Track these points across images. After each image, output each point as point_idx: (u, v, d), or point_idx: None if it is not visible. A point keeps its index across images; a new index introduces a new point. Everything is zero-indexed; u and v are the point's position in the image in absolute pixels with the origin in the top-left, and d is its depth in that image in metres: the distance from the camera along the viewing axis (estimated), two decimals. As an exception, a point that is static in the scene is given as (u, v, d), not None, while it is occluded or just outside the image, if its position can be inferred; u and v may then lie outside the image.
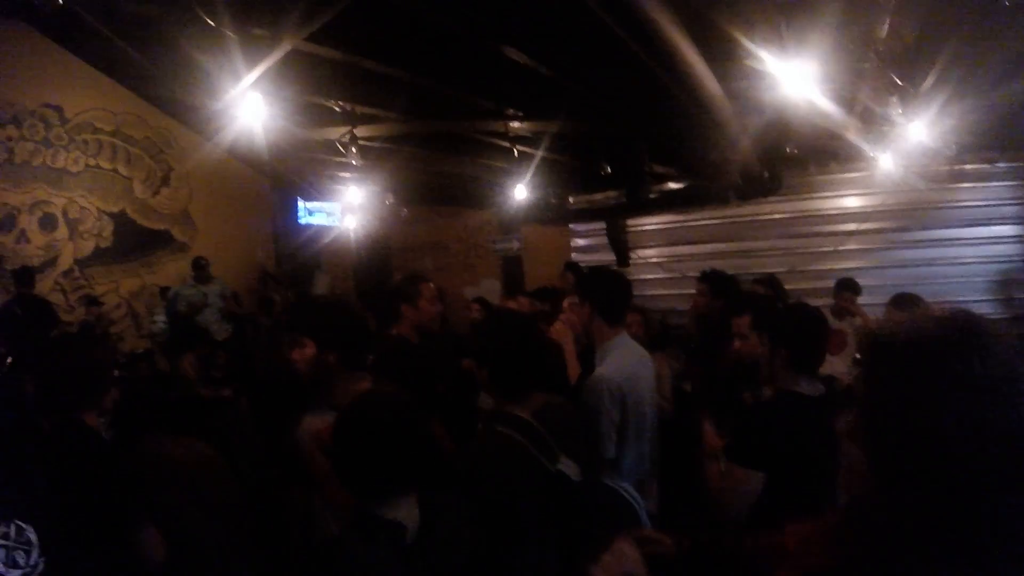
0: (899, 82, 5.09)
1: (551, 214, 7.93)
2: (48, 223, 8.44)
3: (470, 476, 2.11)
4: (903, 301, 4.84)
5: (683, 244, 8.44)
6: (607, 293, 3.07)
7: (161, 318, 8.32)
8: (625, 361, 2.94)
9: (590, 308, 3.02)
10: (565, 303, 3.84)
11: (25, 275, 7.28)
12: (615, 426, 2.81)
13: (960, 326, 1.02)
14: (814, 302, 6.35)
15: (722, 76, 4.34)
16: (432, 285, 3.87)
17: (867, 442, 1.08)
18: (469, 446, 2.25)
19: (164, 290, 8.52)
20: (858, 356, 1.19)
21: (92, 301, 8.22)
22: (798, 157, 6.89)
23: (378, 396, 1.98)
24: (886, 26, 4.22)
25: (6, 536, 1.95)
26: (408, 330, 3.73)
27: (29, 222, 8.32)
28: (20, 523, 1.97)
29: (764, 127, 5.29)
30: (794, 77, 4.13)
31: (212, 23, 4.17)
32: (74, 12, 4.73)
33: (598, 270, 3.62)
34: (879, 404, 1.06)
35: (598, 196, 7.57)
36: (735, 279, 5.57)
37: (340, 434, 1.84)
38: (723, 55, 4.30)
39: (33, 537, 1.99)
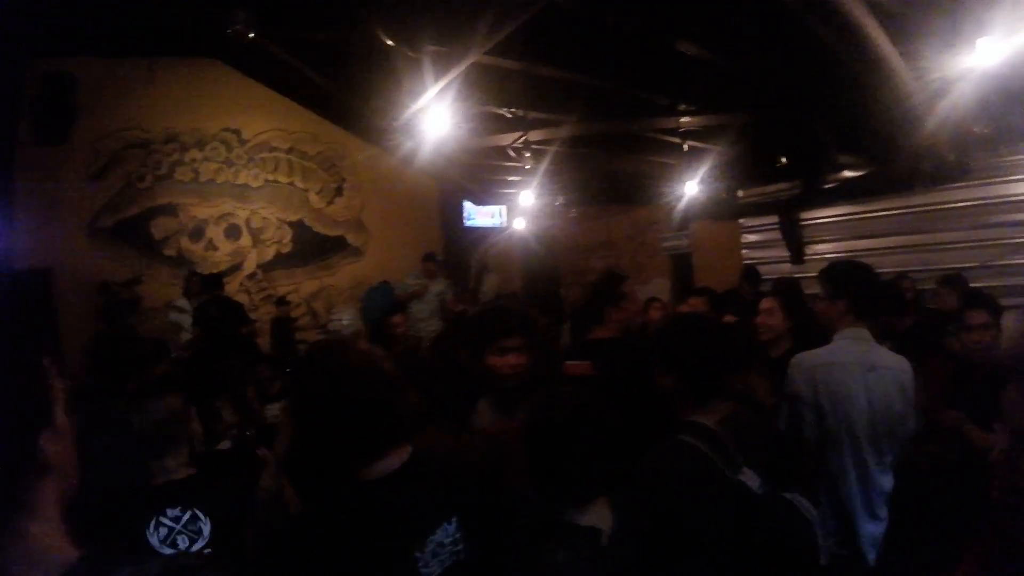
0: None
1: (721, 209, 7.66)
2: (233, 233, 9.26)
3: (648, 486, 2.05)
4: None
5: (862, 238, 7.81)
6: (862, 287, 2.95)
7: (339, 317, 8.85)
8: (838, 348, 2.84)
9: (845, 304, 2.87)
10: (765, 304, 3.74)
11: (213, 280, 7.99)
12: (810, 407, 2.75)
13: None
14: (1008, 301, 5.88)
15: (909, 54, 4.10)
16: (631, 286, 3.83)
17: None
18: (649, 454, 2.13)
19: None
20: None
21: (281, 301, 8.94)
22: (987, 137, 6.32)
23: (568, 398, 1.96)
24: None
25: (176, 519, 2.12)
26: (614, 331, 3.67)
27: (216, 232, 9.17)
28: (198, 511, 2.11)
29: (955, 107, 4.92)
30: (986, 50, 3.85)
31: (392, 43, 4.41)
32: (262, 44, 5.12)
33: (847, 264, 3.36)
34: None
35: (770, 188, 7.24)
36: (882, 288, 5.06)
37: (535, 438, 1.84)
38: (911, 31, 4.05)
39: (206, 529, 2.13)
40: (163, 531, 2.09)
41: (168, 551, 2.06)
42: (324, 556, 1.62)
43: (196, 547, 2.11)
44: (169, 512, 2.12)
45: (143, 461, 2.25)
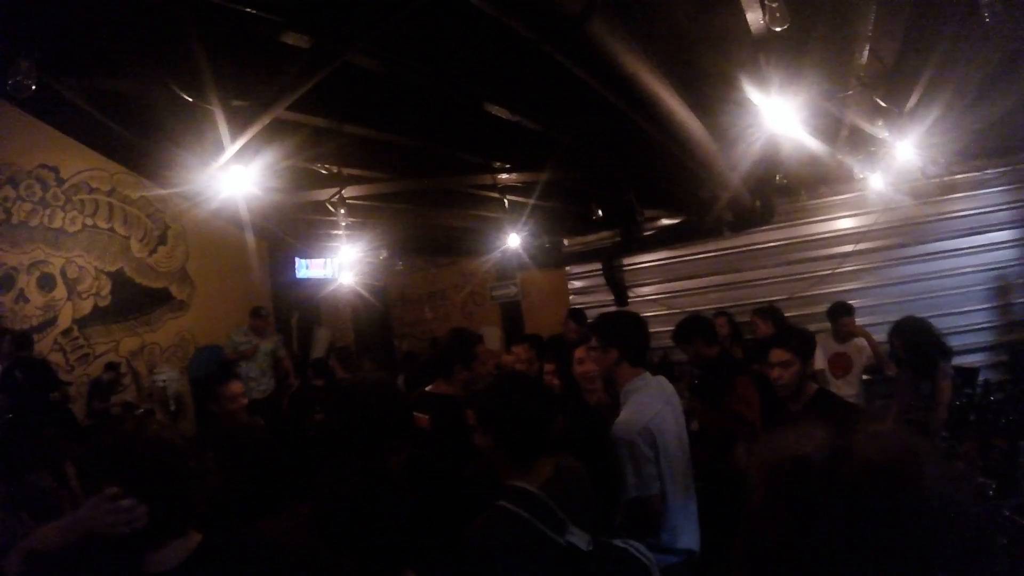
0: (883, 104, 5.12)
1: (547, 258, 7.94)
2: (46, 283, 8.42)
3: (469, 557, 2.02)
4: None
5: (680, 279, 8.42)
6: (631, 336, 3.12)
7: (161, 376, 8.32)
8: (648, 401, 2.99)
9: (617, 353, 3.04)
10: (578, 353, 3.84)
11: (22, 339, 7.29)
12: (653, 464, 2.86)
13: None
14: (815, 327, 6.42)
15: (706, 114, 4.36)
16: (483, 344, 3.88)
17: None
18: (470, 524, 2.10)
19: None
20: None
21: (111, 366, 8.24)
22: (788, 185, 6.89)
23: (359, 475, 1.95)
24: (866, 52, 4.24)
25: None
26: (457, 389, 3.68)
27: (27, 282, 8.30)
28: None
29: (752, 161, 5.30)
30: (778, 110, 4.16)
31: (189, 99, 4.19)
32: (54, 90, 4.74)
33: (616, 315, 3.66)
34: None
35: (592, 238, 7.57)
36: (700, 319, 5.40)
37: (327, 516, 1.85)
38: (706, 93, 4.31)
39: None
40: None
41: None
42: None
43: None
44: None
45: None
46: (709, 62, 4.14)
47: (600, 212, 6.19)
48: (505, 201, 5.81)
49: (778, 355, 3.42)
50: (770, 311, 6.53)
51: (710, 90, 4.34)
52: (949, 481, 0.94)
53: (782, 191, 6.91)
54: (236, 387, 4.27)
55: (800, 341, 3.48)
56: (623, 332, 3.14)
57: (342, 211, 5.02)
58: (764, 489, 0.99)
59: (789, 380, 3.34)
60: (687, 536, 3.01)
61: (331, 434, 2.56)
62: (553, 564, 2.00)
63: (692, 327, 5.07)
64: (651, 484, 2.84)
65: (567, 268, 9.31)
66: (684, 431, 3.17)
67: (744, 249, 7.97)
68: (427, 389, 3.83)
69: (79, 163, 8.59)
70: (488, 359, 3.93)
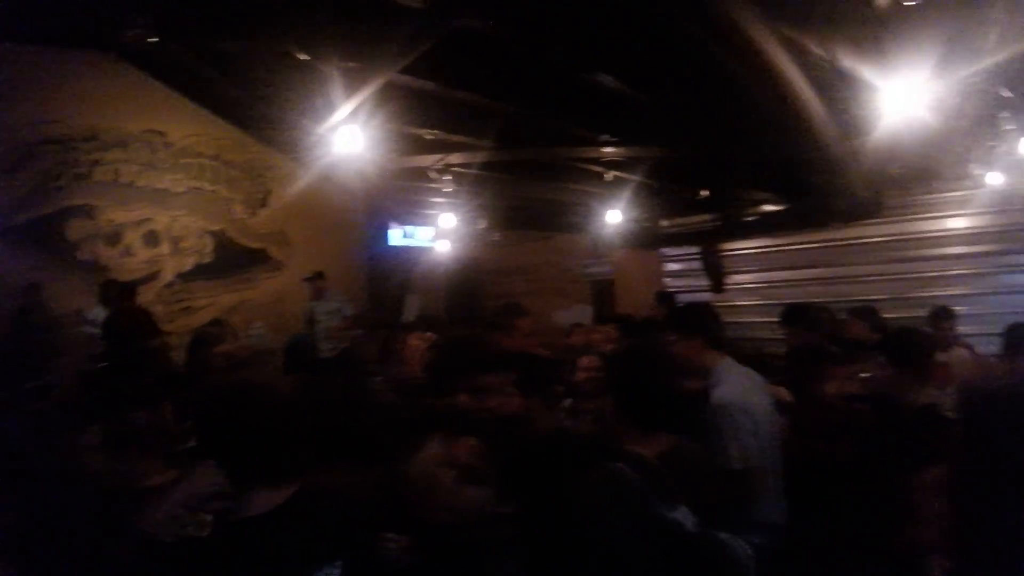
0: (1009, 95, 4.83)
1: (643, 238, 7.81)
2: (152, 239, 8.82)
3: (579, 510, 2.06)
4: None
5: (780, 269, 8.17)
6: (711, 321, 3.26)
7: (257, 332, 8.62)
8: (739, 380, 3.09)
9: (700, 339, 3.15)
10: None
11: (127, 290, 7.63)
12: (753, 437, 2.92)
13: None
14: (920, 332, 6.07)
15: (825, 96, 4.19)
16: (528, 320, 3.92)
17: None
18: (581, 482, 2.12)
19: None
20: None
21: (215, 322, 8.57)
22: (900, 177, 6.56)
23: None
24: (995, 36, 3.98)
25: None
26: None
27: (134, 238, 8.73)
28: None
29: (867, 147, 5.07)
30: (899, 94, 3.98)
31: (306, 58, 4.28)
32: (169, 48, 4.91)
33: (688, 305, 3.88)
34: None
35: (692, 220, 7.40)
36: (810, 308, 5.29)
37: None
38: (826, 74, 4.14)
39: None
40: None
41: None
42: None
43: None
44: None
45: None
46: (830, 40, 3.97)
47: (706, 193, 6.03)
48: (606, 176, 5.73)
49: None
50: (867, 311, 6.18)
51: (830, 70, 4.16)
52: None
53: (893, 184, 6.58)
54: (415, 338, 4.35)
55: (896, 348, 3.48)
56: (700, 319, 3.29)
57: (446, 178, 5.03)
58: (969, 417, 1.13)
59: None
60: (778, 514, 3.06)
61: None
62: (654, 535, 1.97)
63: (822, 319, 4.99)
64: (752, 456, 2.89)
65: (662, 250, 9.15)
66: (774, 416, 3.19)
67: (849, 242, 7.61)
68: None
69: (185, 128, 8.95)
70: (531, 333, 3.94)
